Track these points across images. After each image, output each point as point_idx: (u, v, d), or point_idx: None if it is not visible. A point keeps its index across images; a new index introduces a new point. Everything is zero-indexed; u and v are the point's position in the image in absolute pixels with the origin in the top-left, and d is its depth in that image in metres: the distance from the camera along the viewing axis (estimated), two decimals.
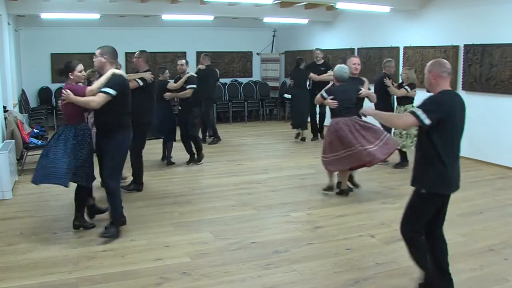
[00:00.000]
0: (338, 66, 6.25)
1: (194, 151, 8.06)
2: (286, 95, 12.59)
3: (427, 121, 3.28)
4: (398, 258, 4.29)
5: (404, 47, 9.62)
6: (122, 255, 4.35)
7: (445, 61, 3.51)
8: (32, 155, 7.63)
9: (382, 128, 5.99)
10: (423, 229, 3.54)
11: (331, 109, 6.10)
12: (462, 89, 8.42)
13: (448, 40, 8.60)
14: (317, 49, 10.16)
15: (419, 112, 3.32)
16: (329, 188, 6.24)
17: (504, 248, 4.54)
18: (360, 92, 6.06)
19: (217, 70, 10.00)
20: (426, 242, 3.57)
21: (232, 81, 13.77)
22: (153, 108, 6.59)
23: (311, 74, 9.82)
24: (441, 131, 3.33)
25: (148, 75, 6.29)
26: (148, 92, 6.36)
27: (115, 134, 4.64)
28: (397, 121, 3.78)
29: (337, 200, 6.08)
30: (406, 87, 7.43)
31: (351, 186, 6.44)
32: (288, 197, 6.22)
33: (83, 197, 4.97)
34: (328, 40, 12.02)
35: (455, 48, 8.49)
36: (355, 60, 6.44)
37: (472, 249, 4.53)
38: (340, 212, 5.64)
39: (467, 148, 8.20)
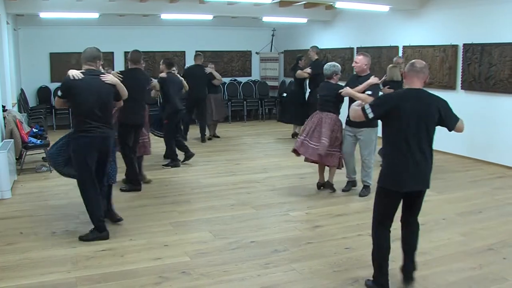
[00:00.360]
0: (326, 64, 6.46)
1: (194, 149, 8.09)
2: (284, 95, 12.63)
3: (370, 115, 3.54)
4: (397, 257, 4.28)
5: (403, 46, 9.62)
6: (121, 255, 4.35)
7: (419, 61, 3.61)
8: (31, 154, 7.64)
9: (325, 138, 6.01)
10: (385, 222, 3.66)
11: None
12: (461, 88, 8.43)
13: (447, 39, 8.60)
14: (311, 47, 10.13)
15: (367, 106, 3.57)
16: (318, 186, 6.49)
17: (503, 247, 4.54)
18: (340, 91, 6.01)
19: (205, 69, 9.80)
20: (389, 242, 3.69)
21: (231, 80, 13.76)
22: (141, 109, 6.29)
23: (298, 71, 9.83)
24: (389, 127, 3.54)
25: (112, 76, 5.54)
26: (131, 93, 5.70)
27: (73, 135, 4.67)
28: (351, 114, 3.86)
29: (336, 199, 6.08)
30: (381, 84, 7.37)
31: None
32: (287, 196, 6.22)
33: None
34: (327, 39, 12.01)
35: (454, 47, 8.49)
36: (355, 58, 6.24)
37: (471, 248, 4.53)
38: (339, 211, 5.65)
39: (466, 147, 8.32)
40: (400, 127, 3.42)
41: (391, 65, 7.62)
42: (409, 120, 3.39)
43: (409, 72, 3.53)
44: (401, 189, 3.50)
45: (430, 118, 3.46)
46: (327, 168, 6.39)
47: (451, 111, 3.58)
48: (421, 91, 3.52)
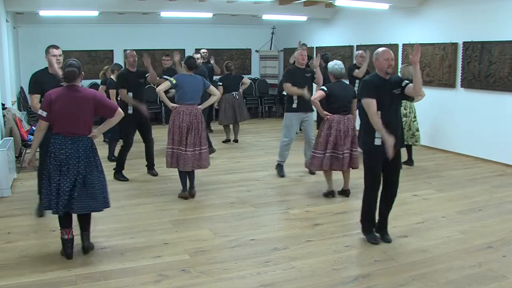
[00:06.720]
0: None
1: None
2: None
3: None
4: (397, 255, 4.31)
5: (403, 44, 9.61)
6: (121, 253, 4.35)
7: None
8: None
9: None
10: None
11: (330, 105, 5.99)
12: (461, 86, 8.42)
13: (447, 37, 8.59)
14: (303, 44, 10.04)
15: None
16: (330, 194, 6.08)
17: (503, 245, 4.55)
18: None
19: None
20: None
21: None
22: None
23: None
24: None
25: None
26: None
27: None
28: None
29: (336, 197, 6.08)
30: None
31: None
32: (287, 194, 6.23)
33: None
34: (327, 37, 12.01)
35: (454, 45, 8.48)
36: (302, 53, 6.82)
37: (470, 246, 4.53)
38: (339, 209, 5.65)
39: (466, 145, 8.32)
40: None
41: (404, 64, 7.81)
42: None
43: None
44: None
45: None
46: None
47: None
48: None
